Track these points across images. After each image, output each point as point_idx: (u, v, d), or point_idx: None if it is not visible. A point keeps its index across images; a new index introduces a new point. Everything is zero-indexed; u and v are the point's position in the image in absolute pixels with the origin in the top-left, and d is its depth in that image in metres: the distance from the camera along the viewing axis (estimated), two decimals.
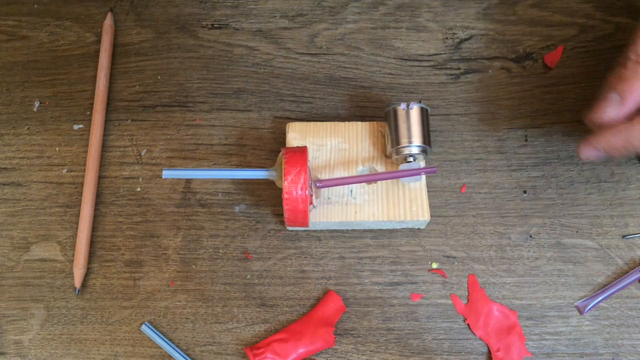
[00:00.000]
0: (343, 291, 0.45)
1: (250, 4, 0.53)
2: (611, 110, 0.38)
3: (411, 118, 0.43)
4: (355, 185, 0.45)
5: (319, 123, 0.47)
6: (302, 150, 0.41)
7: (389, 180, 0.45)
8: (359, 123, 0.47)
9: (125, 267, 0.46)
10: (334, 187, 0.45)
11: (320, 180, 0.42)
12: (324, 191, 0.45)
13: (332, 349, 0.44)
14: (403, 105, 0.43)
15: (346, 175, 0.45)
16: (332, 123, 0.47)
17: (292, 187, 0.40)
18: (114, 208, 0.47)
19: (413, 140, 0.43)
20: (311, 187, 0.42)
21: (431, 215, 0.47)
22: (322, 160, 0.46)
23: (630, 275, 0.45)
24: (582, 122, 0.49)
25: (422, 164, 0.44)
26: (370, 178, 0.42)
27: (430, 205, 0.47)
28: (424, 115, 0.43)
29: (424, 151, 0.43)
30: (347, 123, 0.47)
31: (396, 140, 0.43)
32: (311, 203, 0.42)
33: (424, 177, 0.45)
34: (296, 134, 0.46)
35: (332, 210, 0.44)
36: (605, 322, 0.44)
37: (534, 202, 0.47)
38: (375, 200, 0.44)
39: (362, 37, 0.52)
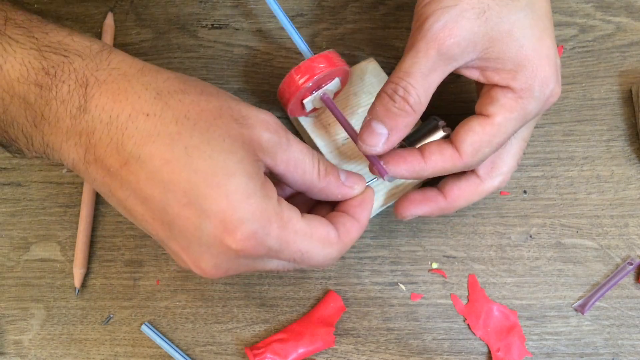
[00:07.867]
0: (343, 291, 0.45)
1: (250, 4, 0.53)
2: (381, 145, 0.36)
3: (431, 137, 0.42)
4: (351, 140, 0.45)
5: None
6: (341, 62, 0.40)
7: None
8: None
9: (125, 267, 0.46)
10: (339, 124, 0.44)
11: (328, 97, 0.41)
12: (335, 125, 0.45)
13: (332, 349, 0.44)
14: (441, 123, 0.42)
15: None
16: None
17: (300, 72, 0.39)
18: (113, 208, 0.47)
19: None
20: (316, 92, 0.41)
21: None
22: (356, 101, 0.46)
23: (622, 269, 0.45)
24: (582, 122, 0.49)
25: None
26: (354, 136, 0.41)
27: None
28: None
29: None
30: None
31: (406, 139, 0.43)
32: (310, 109, 0.42)
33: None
34: (363, 72, 0.47)
35: (318, 127, 0.45)
36: (605, 322, 0.44)
37: (534, 202, 0.47)
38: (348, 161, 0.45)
39: (362, 37, 0.52)
